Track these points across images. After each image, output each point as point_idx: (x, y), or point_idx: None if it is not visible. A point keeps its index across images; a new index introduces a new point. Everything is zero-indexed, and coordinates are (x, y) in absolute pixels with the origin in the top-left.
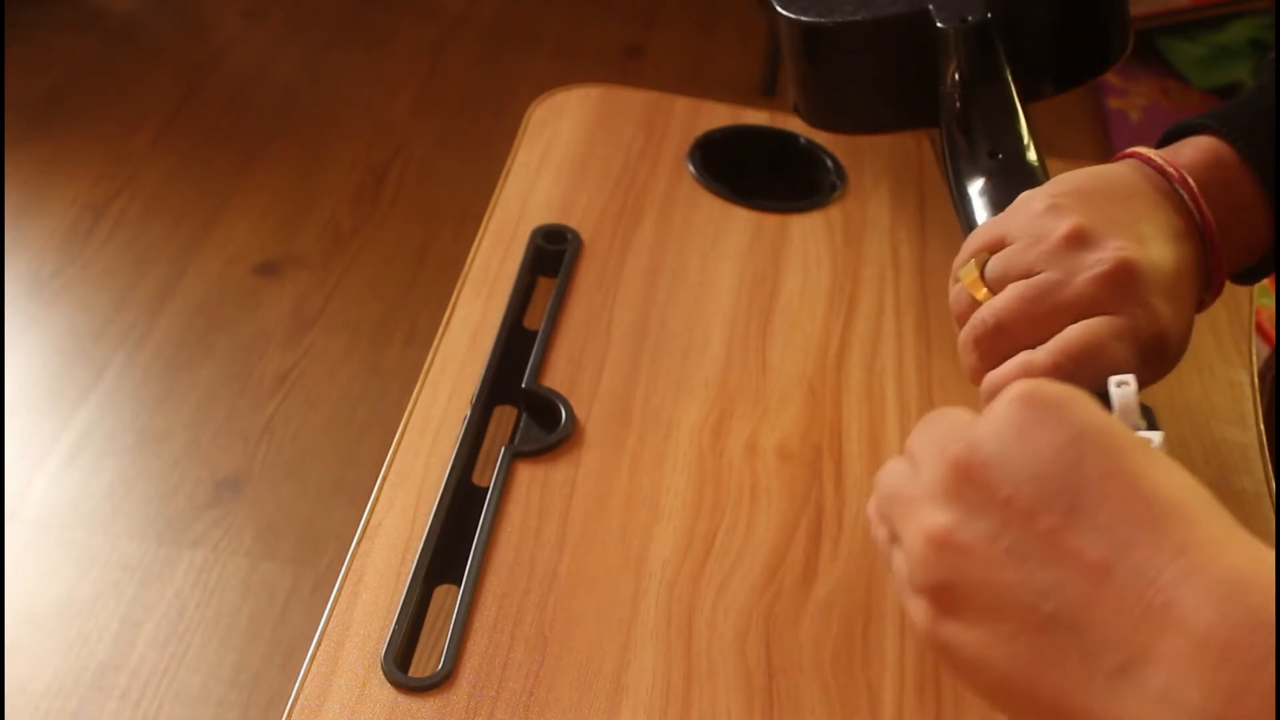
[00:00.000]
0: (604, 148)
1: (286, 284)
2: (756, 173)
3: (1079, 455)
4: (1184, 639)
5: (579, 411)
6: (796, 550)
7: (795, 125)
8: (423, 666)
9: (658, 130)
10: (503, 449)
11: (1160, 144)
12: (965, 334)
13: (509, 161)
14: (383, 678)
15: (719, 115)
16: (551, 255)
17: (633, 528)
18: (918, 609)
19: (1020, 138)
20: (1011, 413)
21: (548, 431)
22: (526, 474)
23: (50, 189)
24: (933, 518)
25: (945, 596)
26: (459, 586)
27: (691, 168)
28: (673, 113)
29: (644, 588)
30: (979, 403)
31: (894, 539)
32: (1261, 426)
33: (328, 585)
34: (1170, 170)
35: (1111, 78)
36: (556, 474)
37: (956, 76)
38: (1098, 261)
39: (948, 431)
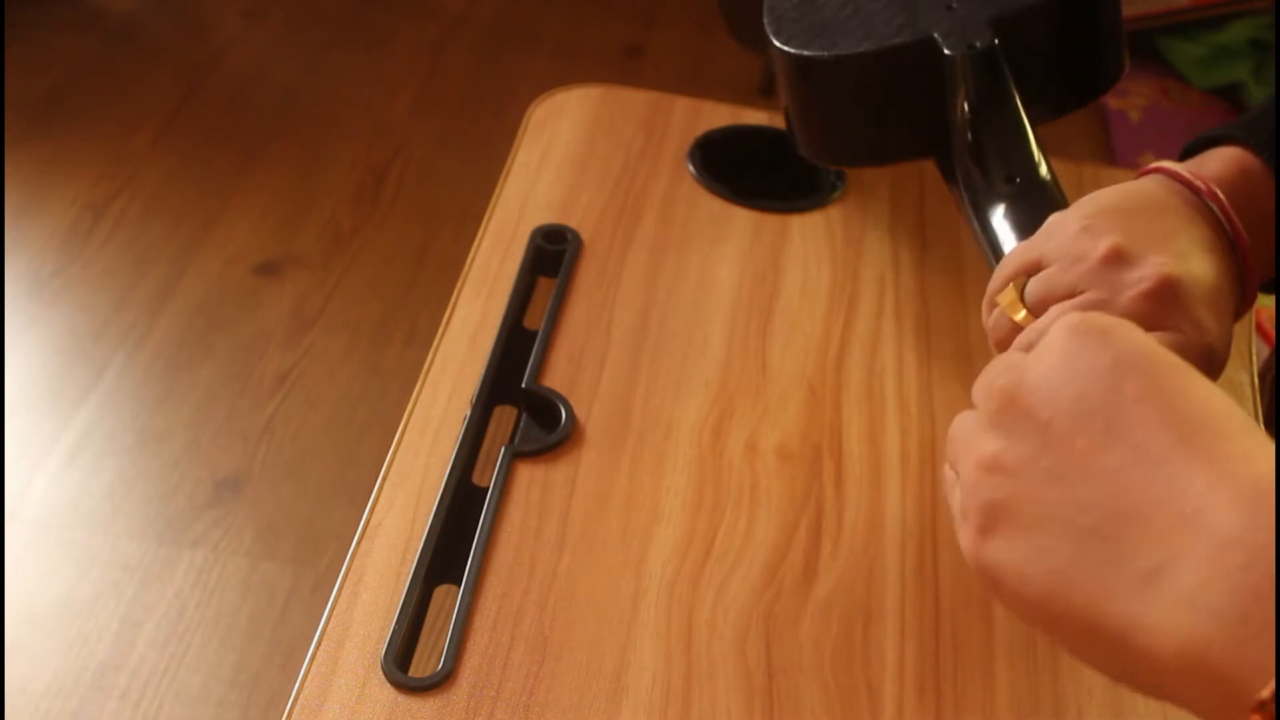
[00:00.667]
0: (604, 148)
1: (286, 284)
2: (756, 173)
3: (1119, 378)
4: (1212, 543)
5: (579, 411)
6: (796, 550)
7: None
8: (423, 666)
9: (658, 130)
10: (503, 449)
11: (1182, 156)
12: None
13: (509, 161)
14: (383, 678)
15: (719, 115)
16: (551, 255)
17: (633, 528)
18: (965, 534)
19: (1034, 159)
20: (1059, 341)
21: (548, 431)
22: (526, 474)
23: (50, 189)
24: (983, 446)
25: (990, 518)
26: (459, 586)
27: (691, 168)
28: (673, 113)
29: (644, 588)
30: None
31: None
32: (1261, 427)
33: (328, 585)
34: (1199, 184)
35: None
36: (556, 474)
37: (965, 104)
38: (1140, 279)
39: (999, 368)
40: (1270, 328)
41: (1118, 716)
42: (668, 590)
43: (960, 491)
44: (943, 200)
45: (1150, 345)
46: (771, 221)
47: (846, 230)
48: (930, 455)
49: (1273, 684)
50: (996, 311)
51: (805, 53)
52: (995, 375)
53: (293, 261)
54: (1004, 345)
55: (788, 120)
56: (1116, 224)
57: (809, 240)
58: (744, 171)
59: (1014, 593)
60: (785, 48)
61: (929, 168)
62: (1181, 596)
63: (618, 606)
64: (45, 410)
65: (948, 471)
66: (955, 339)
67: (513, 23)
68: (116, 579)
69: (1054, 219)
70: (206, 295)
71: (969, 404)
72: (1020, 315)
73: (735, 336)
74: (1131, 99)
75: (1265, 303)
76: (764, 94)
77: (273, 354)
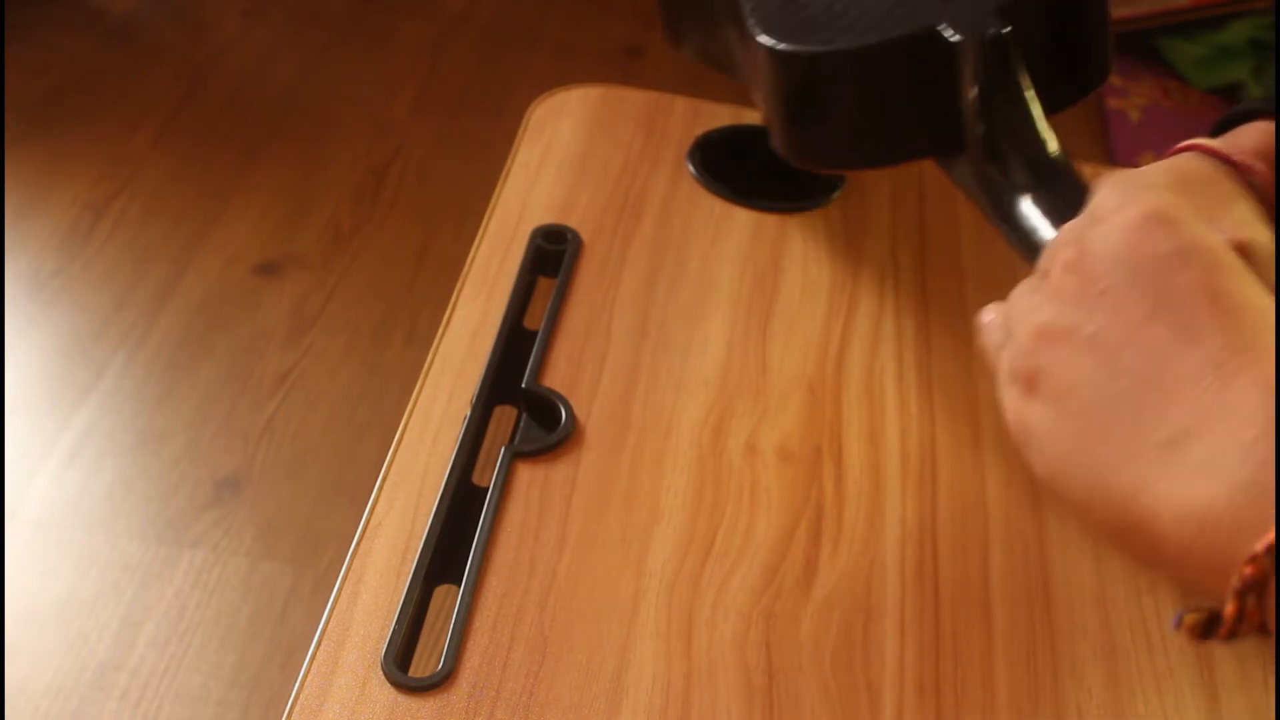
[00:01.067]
0: (604, 148)
1: (286, 284)
2: (756, 173)
3: (1177, 264)
4: (1231, 417)
5: (579, 411)
6: (796, 550)
7: None
8: (423, 666)
9: (658, 130)
10: (503, 449)
11: (1213, 134)
12: None
13: (509, 161)
14: (383, 678)
15: (719, 115)
16: (551, 255)
17: (633, 528)
18: (1009, 395)
19: (1050, 143)
20: (1129, 220)
21: (548, 431)
22: (526, 474)
23: (50, 189)
24: (1040, 312)
25: (1034, 379)
26: (459, 586)
27: (691, 168)
28: (673, 113)
29: (644, 588)
30: (979, 404)
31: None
32: None
33: (328, 585)
34: (1237, 158)
35: (1111, 77)
36: (556, 474)
37: (977, 95)
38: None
39: (1065, 237)
40: None
41: (1118, 717)
42: (668, 590)
43: (1009, 354)
44: (943, 201)
45: (1216, 243)
46: (771, 221)
47: (846, 230)
48: (930, 455)
49: (1269, 535)
50: None
51: (803, 49)
52: (1061, 245)
53: (293, 261)
54: None
55: (771, 123)
56: (1175, 197)
57: (809, 240)
58: (744, 171)
59: (1040, 450)
60: (778, 45)
61: (930, 169)
62: (1196, 463)
63: (618, 606)
64: (45, 410)
65: (993, 331)
66: (955, 339)
67: (513, 23)
68: (116, 579)
69: (1100, 200)
70: (206, 295)
71: (969, 404)
72: None
73: (735, 336)
74: (1131, 99)
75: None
76: None
77: (273, 354)
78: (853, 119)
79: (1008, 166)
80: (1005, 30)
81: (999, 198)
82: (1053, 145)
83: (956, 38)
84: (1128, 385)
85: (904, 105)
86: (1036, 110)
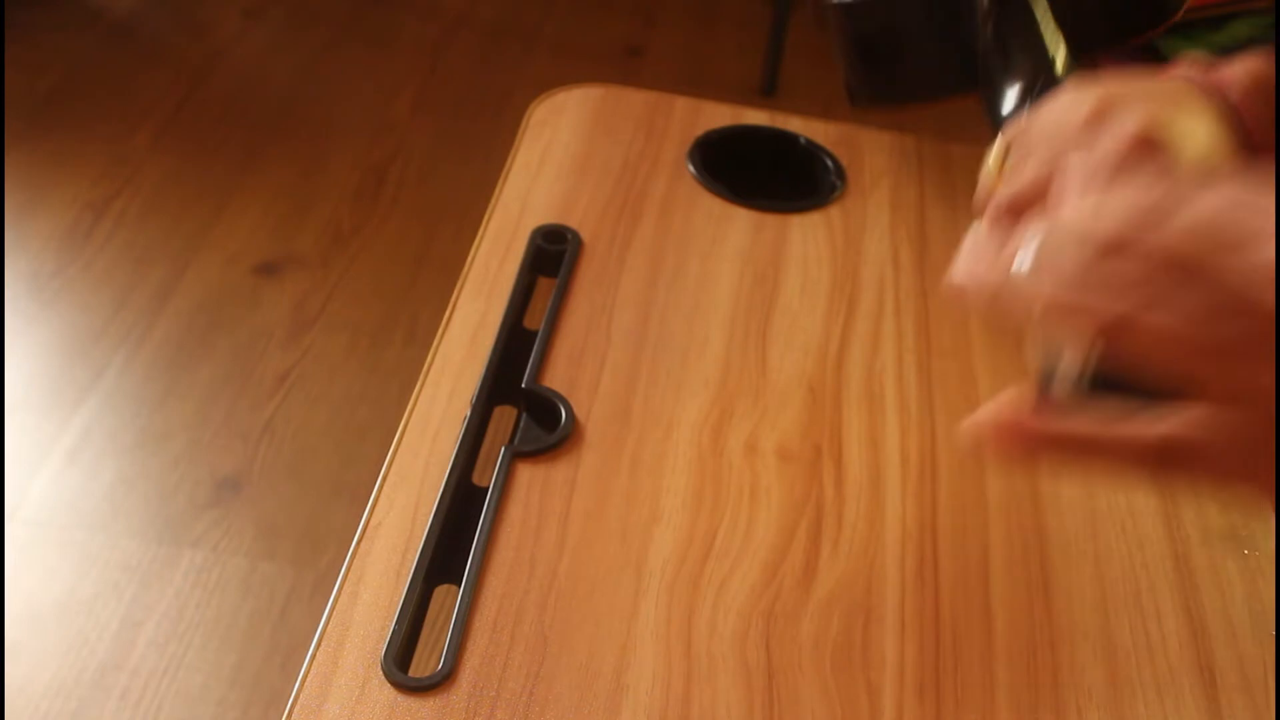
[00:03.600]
0: (604, 148)
1: (286, 284)
2: (756, 173)
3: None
4: None
5: (579, 411)
6: (796, 550)
7: (795, 125)
8: (423, 666)
9: (658, 130)
10: (503, 449)
11: None
12: (990, 211)
13: (509, 161)
14: (383, 678)
15: (719, 115)
16: (551, 255)
17: (632, 528)
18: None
19: (1046, 50)
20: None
21: (548, 431)
22: (526, 474)
23: (50, 189)
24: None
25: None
26: (459, 586)
27: (691, 168)
28: (673, 113)
29: (644, 588)
30: (979, 405)
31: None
32: None
33: (328, 585)
34: (1213, 78)
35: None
36: (556, 474)
37: (990, 25)
38: (1124, 121)
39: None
40: None
41: (1117, 717)
42: (668, 590)
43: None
44: (943, 200)
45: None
46: (771, 221)
47: (846, 230)
48: (930, 455)
49: None
50: (983, 173)
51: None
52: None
53: (293, 261)
54: (981, 206)
55: (845, 74)
56: (1115, 82)
57: (809, 240)
58: (744, 171)
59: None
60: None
61: (930, 169)
62: None
63: (618, 606)
64: (45, 410)
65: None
66: (955, 339)
67: (513, 23)
68: (116, 579)
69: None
70: (206, 295)
71: (969, 404)
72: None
73: (735, 336)
74: None
75: None
76: (764, 94)
77: (273, 354)
78: (891, 55)
79: (1010, 64)
80: None
81: (990, 79)
82: (1053, 53)
83: None
84: None
85: (944, 36)
86: (1037, 23)
